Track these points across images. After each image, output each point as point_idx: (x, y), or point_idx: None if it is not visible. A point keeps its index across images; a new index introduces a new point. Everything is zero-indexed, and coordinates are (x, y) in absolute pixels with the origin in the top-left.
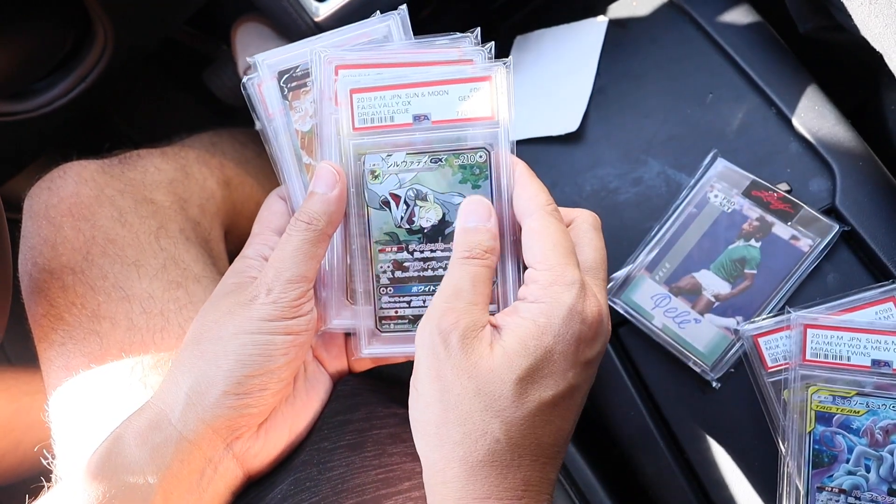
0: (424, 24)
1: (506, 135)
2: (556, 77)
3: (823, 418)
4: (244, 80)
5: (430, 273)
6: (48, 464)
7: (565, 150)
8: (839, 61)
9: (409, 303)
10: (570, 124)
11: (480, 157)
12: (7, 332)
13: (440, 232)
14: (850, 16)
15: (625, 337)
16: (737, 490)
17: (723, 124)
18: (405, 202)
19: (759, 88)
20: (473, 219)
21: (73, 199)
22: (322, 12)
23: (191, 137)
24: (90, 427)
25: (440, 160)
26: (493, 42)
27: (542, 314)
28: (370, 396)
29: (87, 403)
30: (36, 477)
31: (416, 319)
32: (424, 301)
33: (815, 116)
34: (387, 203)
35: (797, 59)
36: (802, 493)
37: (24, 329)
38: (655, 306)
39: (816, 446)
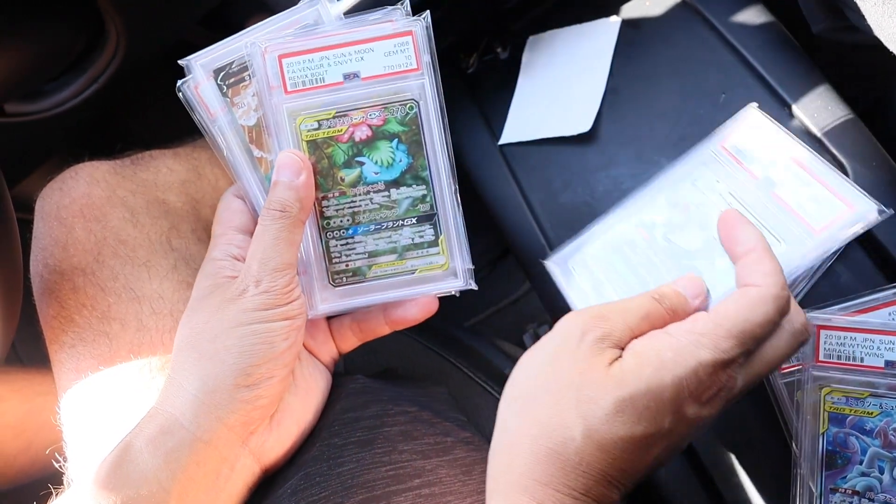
0: (437, 24)
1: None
2: (569, 77)
3: (836, 419)
4: (179, 83)
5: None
6: (60, 466)
7: (578, 150)
8: (852, 61)
9: None
10: (583, 124)
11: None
12: (19, 333)
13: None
14: (863, 16)
15: None
16: (750, 491)
17: None
18: None
19: (771, 88)
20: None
21: (84, 200)
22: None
23: (203, 138)
24: (101, 430)
25: None
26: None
27: (671, 349)
28: (381, 394)
29: (98, 406)
30: (48, 478)
31: None
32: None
33: (827, 117)
34: None
35: (810, 59)
36: (816, 494)
37: (36, 329)
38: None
39: (829, 447)
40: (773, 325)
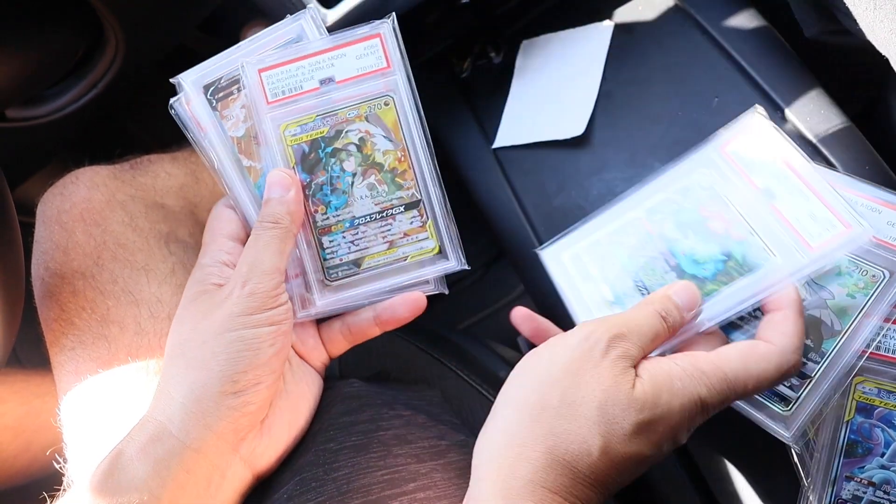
0: (430, 29)
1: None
2: (562, 81)
3: (864, 409)
4: (172, 101)
5: None
6: (60, 467)
7: (571, 154)
8: (845, 65)
9: None
10: (577, 128)
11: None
12: (19, 335)
13: None
14: (855, 20)
15: None
16: (743, 493)
17: None
18: None
19: (764, 92)
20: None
21: (84, 205)
22: (330, 19)
23: None
24: (100, 431)
25: None
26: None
27: (680, 380)
28: (376, 398)
29: (97, 408)
30: (47, 478)
31: None
32: None
33: (820, 120)
34: None
35: (802, 62)
36: (830, 479)
37: (37, 332)
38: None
39: (852, 436)
40: (768, 382)
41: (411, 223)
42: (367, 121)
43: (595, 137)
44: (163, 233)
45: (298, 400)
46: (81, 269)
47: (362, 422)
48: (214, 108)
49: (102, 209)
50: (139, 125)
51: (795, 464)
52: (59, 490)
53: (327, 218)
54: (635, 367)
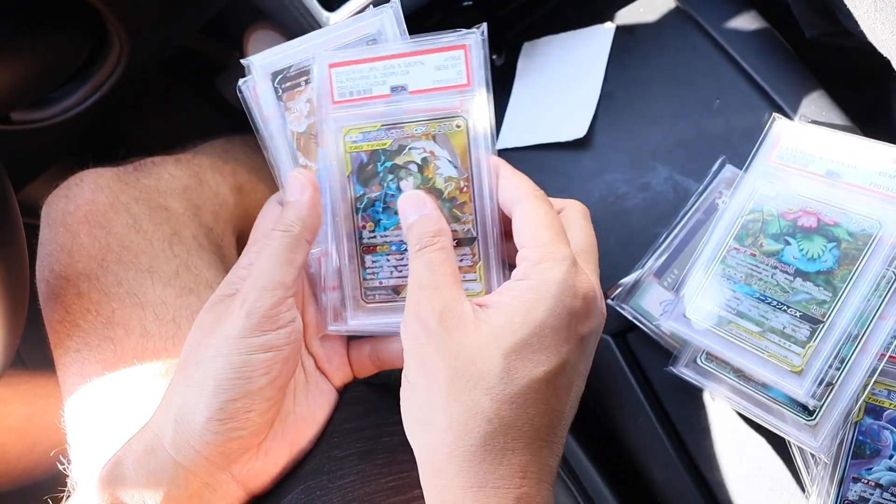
0: (432, 30)
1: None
2: (564, 83)
3: (873, 411)
4: (240, 83)
5: None
6: (64, 469)
7: (573, 156)
8: (847, 66)
9: None
10: (578, 130)
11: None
12: (23, 336)
13: None
14: (856, 22)
15: (633, 343)
16: (746, 496)
17: (730, 130)
18: None
19: (766, 94)
20: (412, 212)
21: (89, 207)
22: (332, 21)
23: (204, 144)
24: (104, 434)
25: None
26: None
27: (530, 290)
28: (380, 403)
29: (101, 411)
30: (51, 480)
31: None
32: None
33: (822, 122)
34: None
35: (804, 64)
36: (836, 480)
37: (41, 333)
38: (664, 312)
39: (861, 437)
40: (554, 213)
41: (461, 261)
42: (435, 140)
43: (597, 139)
44: (166, 235)
45: (306, 421)
46: (86, 271)
47: (367, 427)
48: (280, 98)
49: (106, 211)
50: (142, 127)
51: (799, 466)
52: (62, 491)
53: (374, 237)
54: (480, 304)
